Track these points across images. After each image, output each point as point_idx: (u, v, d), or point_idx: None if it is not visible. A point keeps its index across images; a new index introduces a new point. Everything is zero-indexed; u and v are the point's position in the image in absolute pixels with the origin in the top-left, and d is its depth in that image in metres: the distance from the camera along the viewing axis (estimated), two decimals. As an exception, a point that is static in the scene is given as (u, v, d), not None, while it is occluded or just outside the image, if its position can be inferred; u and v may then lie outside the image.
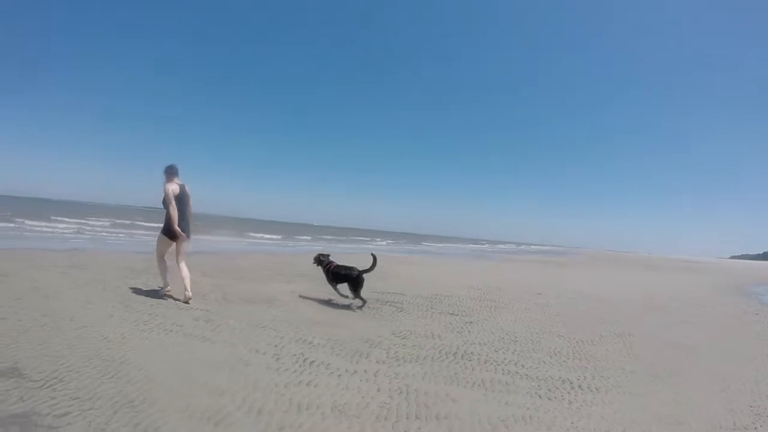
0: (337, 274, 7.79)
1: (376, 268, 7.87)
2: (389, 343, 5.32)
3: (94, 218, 32.80)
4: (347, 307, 7.46)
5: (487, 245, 70.89)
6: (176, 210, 6.20)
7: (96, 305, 6.24)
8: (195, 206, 7.17)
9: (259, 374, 4.04)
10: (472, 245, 62.65)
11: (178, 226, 6.29)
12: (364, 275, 7.61)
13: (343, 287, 7.77)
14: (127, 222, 31.26)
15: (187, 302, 6.41)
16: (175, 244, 6.54)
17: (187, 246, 6.74)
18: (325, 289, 8.26)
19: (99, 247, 14.88)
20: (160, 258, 6.72)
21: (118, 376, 3.74)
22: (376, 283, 9.87)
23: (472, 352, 5.19)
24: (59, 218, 28.12)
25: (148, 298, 6.94)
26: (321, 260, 8.05)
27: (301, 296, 8.14)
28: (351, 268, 7.71)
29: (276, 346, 4.86)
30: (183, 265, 6.56)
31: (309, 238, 39.81)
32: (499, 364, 4.88)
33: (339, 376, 4.10)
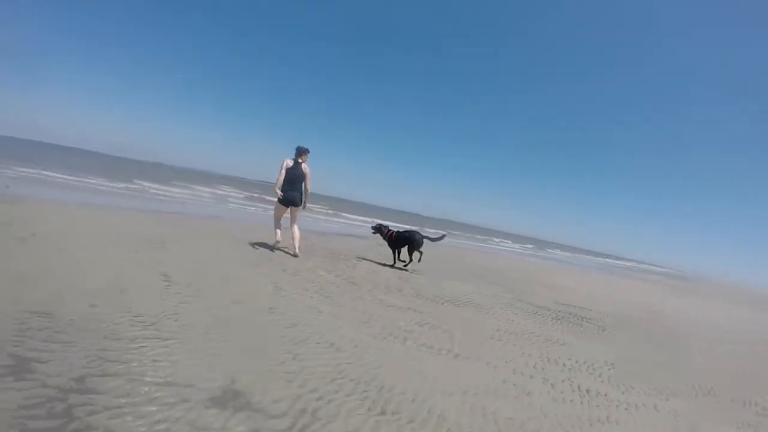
0: (399, 239, 8.37)
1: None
2: (635, 370, 4.72)
3: (219, 187, 32.64)
4: (540, 314, 6.80)
5: (609, 259, 64.95)
6: (279, 178, 7.12)
7: (288, 293, 4.94)
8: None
9: (552, 407, 3.26)
10: (594, 257, 57.37)
11: (288, 195, 7.19)
12: (425, 241, 8.37)
13: (403, 252, 8.40)
14: (255, 195, 30.58)
15: (295, 256, 7.19)
16: (288, 210, 7.39)
17: (297, 214, 7.55)
18: (513, 294, 8.27)
19: (242, 218, 13.82)
20: (276, 220, 7.50)
21: (393, 411, 2.71)
22: (549, 293, 9.59)
23: (711, 387, 4.62)
24: (179, 183, 27.84)
25: (341, 288, 5.81)
26: (380, 229, 8.69)
27: (494, 300, 7.23)
28: (413, 232, 8.46)
29: (534, 367, 4.13)
30: (295, 228, 7.43)
31: (443, 232, 37.32)
32: (751, 406, 4.27)
33: (626, 410, 3.52)
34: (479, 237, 41.81)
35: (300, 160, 7.33)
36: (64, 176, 17.24)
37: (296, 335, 3.60)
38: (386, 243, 8.63)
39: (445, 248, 17.47)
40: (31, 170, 16.96)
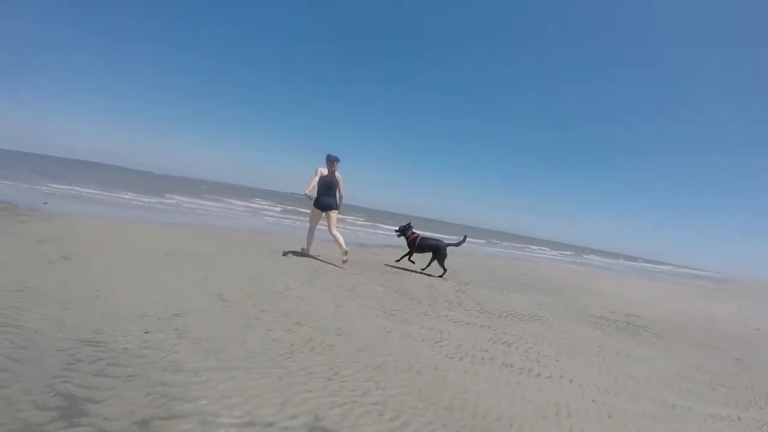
0: (422, 246, 8.35)
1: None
2: (705, 380, 4.47)
3: (252, 200, 32.64)
4: (600, 324, 6.43)
5: (645, 263, 63.08)
6: (314, 184, 7.41)
7: (350, 312, 4.54)
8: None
9: (645, 425, 2.99)
10: (631, 262, 55.53)
11: (324, 200, 7.50)
12: (449, 248, 8.36)
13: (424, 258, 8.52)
14: (289, 207, 29.53)
15: (344, 260, 7.31)
16: (324, 216, 7.60)
17: (335, 218, 7.65)
18: (568, 303, 7.86)
19: (281, 231, 13.12)
20: (311, 228, 7.85)
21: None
22: (600, 301, 9.17)
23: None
24: (212, 197, 27.76)
25: (402, 304, 5.36)
26: (405, 231, 8.58)
27: (553, 311, 6.81)
28: (438, 240, 8.49)
29: (615, 382, 3.85)
30: (335, 232, 7.53)
31: (483, 241, 36.49)
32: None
33: (713, 423, 3.28)
34: (516, 245, 40.98)
35: (333, 168, 7.65)
36: (96, 192, 17.42)
37: (372, 359, 3.20)
38: (408, 244, 8.57)
39: (490, 258, 16.99)
40: (64, 186, 17.16)
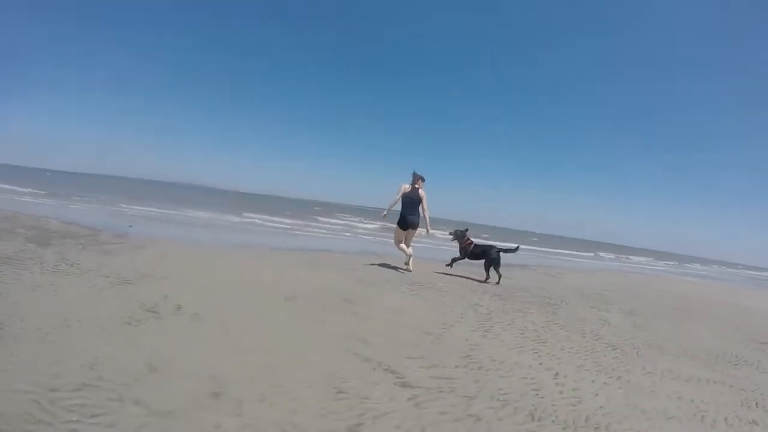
0: (474, 253, 8.16)
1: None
2: None
3: (335, 215, 32.25)
4: None
5: (743, 269, 58.27)
6: (394, 202, 7.68)
7: (570, 375, 3.36)
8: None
9: None
10: (731, 269, 51.35)
11: (409, 218, 7.65)
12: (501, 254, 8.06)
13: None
14: (377, 223, 25.40)
15: (406, 266, 7.75)
16: (406, 233, 7.82)
17: (413, 235, 7.93)
18: (742, 329, 6.63)
19: (392, 253, 10.24)
20: (397, 243, 7.94)
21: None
22: (759, 322, 7.67)
23: None
24: (293, 214, 27.71)
25: (605, 354, 4.15)
26: (462, 236, 8.34)
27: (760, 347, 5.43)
28: (490, 246, 8.23)
29: None
30: (410, 249, 7.83)
31: (591, 254, 33.83)
32: None
33: None
34: (620, 256, 38.21)
35: (417, 186, 7.68)
36: (175, 211, 17.41)
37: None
38: (461, 250, 8.30)
39: (615, 276, 14.79)
40: (144, 207, 17.12)
